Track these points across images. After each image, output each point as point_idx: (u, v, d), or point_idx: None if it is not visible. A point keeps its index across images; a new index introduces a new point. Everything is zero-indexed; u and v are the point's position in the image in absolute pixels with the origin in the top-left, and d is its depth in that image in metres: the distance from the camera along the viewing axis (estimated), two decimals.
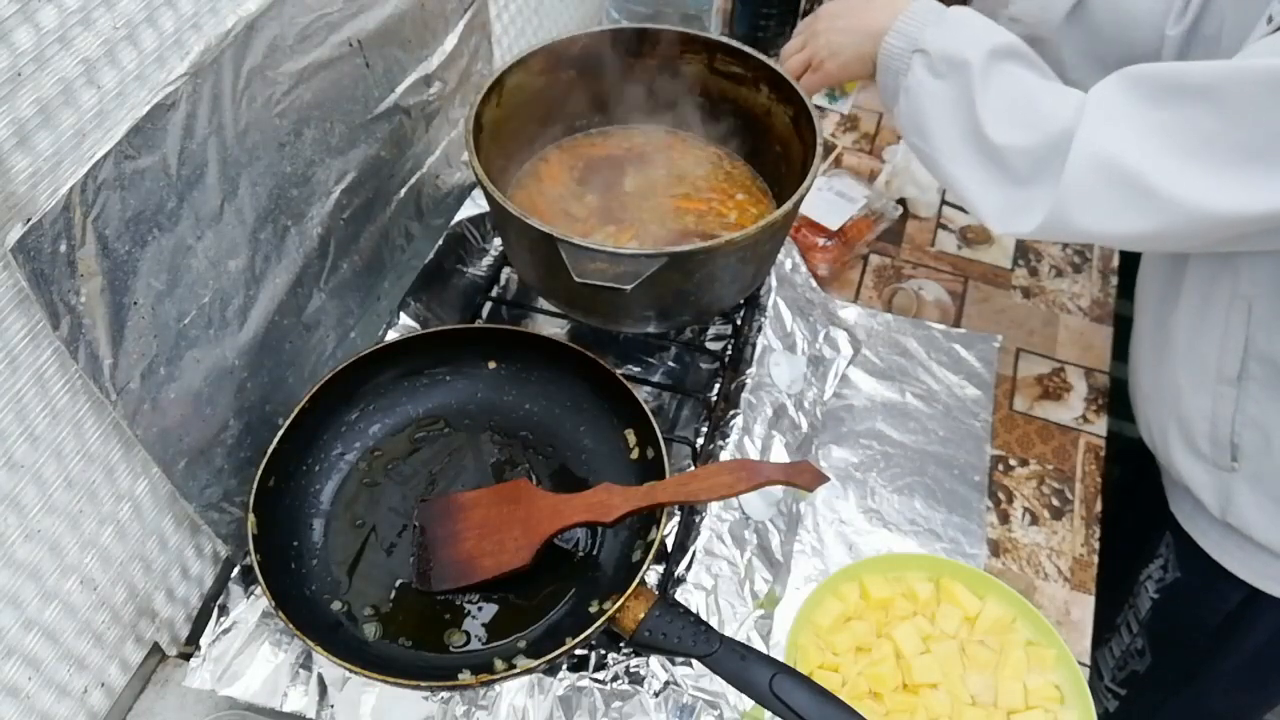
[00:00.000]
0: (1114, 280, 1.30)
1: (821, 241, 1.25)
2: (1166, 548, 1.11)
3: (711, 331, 1.11)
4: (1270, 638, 1.07)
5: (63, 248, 0.62)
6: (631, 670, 0.80)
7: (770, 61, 1.00)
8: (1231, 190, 0.74)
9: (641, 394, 0.88)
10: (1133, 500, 1.18)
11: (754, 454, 0.97)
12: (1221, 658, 1.13)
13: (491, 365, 0.96)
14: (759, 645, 0.87)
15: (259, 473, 0.82)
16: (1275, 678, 1.15)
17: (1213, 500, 0.99)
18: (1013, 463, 1.09)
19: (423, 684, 0.75)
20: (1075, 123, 0.80)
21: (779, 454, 0.99)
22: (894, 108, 0.93)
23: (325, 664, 0.79)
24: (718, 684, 0.79)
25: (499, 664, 0.76)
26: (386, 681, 0.72)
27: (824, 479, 0.78)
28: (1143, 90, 0.78)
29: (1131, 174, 0.77)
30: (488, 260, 1.14)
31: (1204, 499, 1.00)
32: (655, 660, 0.81)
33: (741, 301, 1.07)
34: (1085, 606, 0.99)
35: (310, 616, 0.77)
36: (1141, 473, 1.16)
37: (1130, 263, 1.30)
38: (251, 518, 0.79)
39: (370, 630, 0.80)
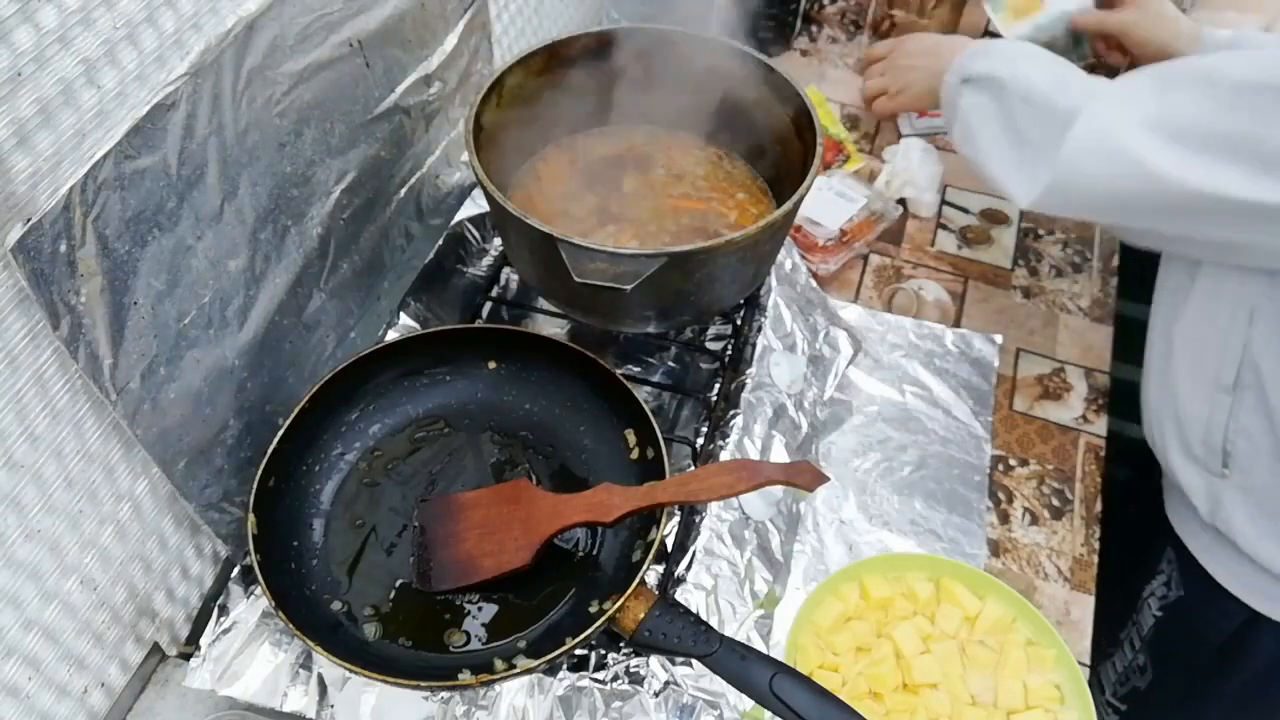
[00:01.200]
0: (1114, 280, 1.30)
1: (821, 241, 1.25)
2: (1169, 563, 1.11)
3: (711, 331, 1.11)
4: (1271, 662, 1.07)
5: (63, 248, 0.62)
6: (631, 670, 0.80)
7: (770, 61, 1.00)
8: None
9: (641, 394, 0.88)
10: (1133, 501, 1.18)
11: (754, 454, 0.97)
12: (1223, 678, 1.12)
13: (491, 365, 0.96)
14: (759, 645, 0.87)
15: (259, 473, 0.81)
16: (1278, 699, 1.15)
17: (1203, 504, 1.00)
18: (1013, 463, 1.09)
19: (423, 684, 0.75)
20: (1095, 95, 0.86)
21: (779, 454, 0.99)
22: (952, 132, 1.03)
23: (325, 664, 0.79)
24: (718, 684, 0.79)
25: (499, 664, 0.76)
26: (386, 681, 0.72)
27: (824, 479, 0.78)
28: (1158, 81, 0.83)
29: (1126, 145, 0.82)
30: (488, 260, 1.14)
31: (1195, 503, 1.00)
32: (655, 660, 0.80)
33: (741, 301, 1.07)
34: (1085, 606, 0.99)
35: (310, 616, 0.77)
36: (1142, 473, 1.16)
37: (1130, 264, 1.30)
38: (251, 518, 0.79)
39: (370, 630, 0.80)
